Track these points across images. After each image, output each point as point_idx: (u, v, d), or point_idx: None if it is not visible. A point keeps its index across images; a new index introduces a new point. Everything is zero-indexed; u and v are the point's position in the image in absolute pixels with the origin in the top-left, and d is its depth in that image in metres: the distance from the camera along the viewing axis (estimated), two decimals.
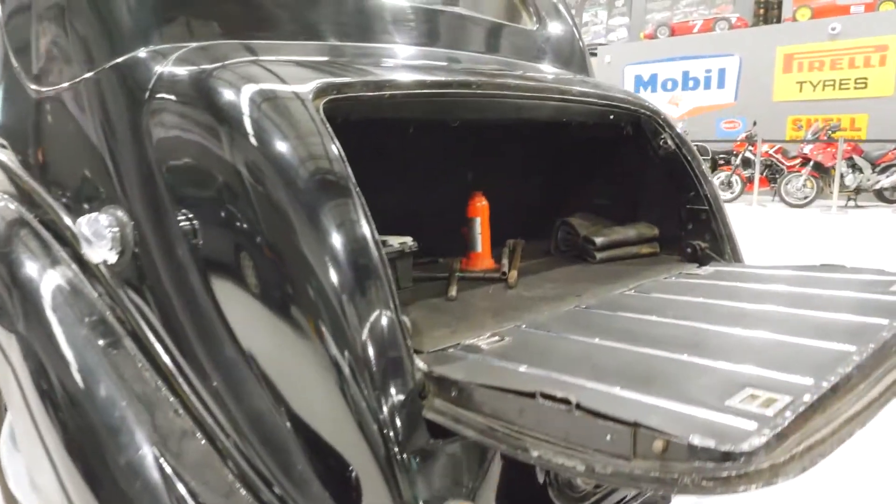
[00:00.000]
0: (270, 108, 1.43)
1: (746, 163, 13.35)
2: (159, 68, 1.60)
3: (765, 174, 13.42)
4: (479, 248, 2.40)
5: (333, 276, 1.27)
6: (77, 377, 1.56)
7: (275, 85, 1.49)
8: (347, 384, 1.25)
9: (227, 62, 1.57)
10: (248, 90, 1.45)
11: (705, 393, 1.13)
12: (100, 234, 1.55)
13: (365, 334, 1.26)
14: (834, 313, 1.58)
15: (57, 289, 1.71)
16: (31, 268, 1.78)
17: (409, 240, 2.09)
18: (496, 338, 1.54)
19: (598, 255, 2.45)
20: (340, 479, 1.31)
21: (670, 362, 1.31)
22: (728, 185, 13.22)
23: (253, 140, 1.39)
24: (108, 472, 1.43)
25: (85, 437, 1.49)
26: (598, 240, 2.45)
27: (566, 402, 1.10)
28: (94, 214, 1.60)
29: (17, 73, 1.95)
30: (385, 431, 1.24)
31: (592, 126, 2.48)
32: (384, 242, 1.95)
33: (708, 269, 2.22)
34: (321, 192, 1.33)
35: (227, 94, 1.46)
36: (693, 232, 2.41)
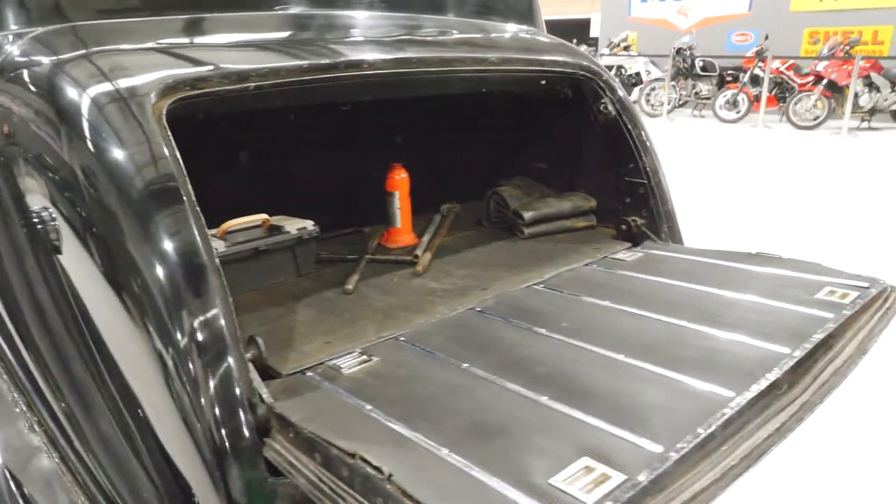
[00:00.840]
0: (108, 111, 1.28)
1: (755, 80, 12.74)
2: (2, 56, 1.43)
3: (773, 93, 12.83)
4: (399, 224, 2.27)
5: (158, 284, 1.17)
6: None
7: (118, 84, 1.32)
8: (185, 412, 1.17)
9: (66, 55, 1.39)
10: (91, 91, 1.30)
11: (536, 463, 1.04)
12: None
13: (190, 357, 1.17)
14: (736, 333, 1.48)
15: None
16: None
17: (308, 224, 1.96)
18: (364, 357, 1.45)
19: (527, 231, 2.31)
20: None
21: (523, 407, 1.22)
22: (733, 104, 12.68)
23: (89, 145, 1.26)
24: None
25: None
26: (527, 214, 2.30)
27: (380, 471, 1.02)
28: None
29: None
30: (218, 467, 1.17)
31: (530, 89, 2.28)
32: (280, 229, 1.83)
33: (636, 253, 2.09)
34: (149, 199, 1.22)
35: (70, 94, 1.31)
36: (630, 206, 2.26)
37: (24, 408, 1.46)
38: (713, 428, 1.13)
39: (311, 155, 2.34)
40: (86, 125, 1.27)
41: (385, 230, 2.30)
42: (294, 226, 1.94)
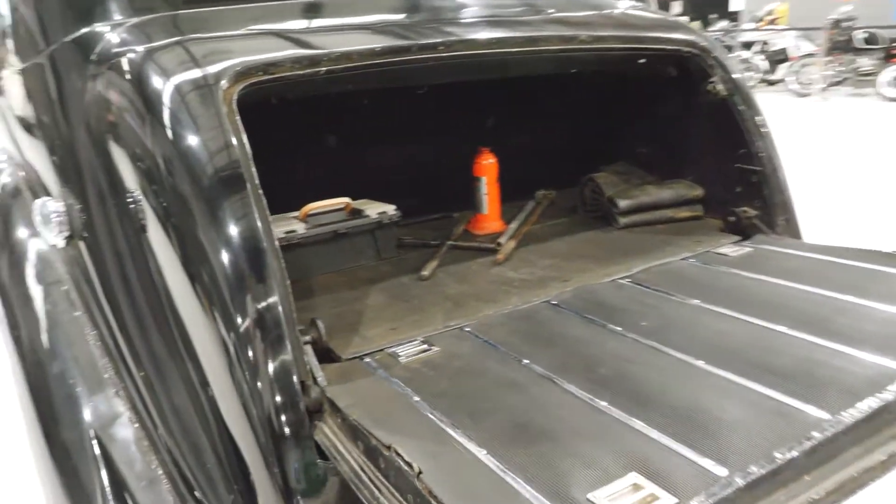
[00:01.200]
0: (183, 100, 1.34)
1: None
2: (99, 48, 1.53)
3: None
4: (486, 210, 2.22)
5: (222, 269, 1.22)
6: (44, 339, 1.64)
7: (191, 73, 1.37)
8: (243, 396, 1.21)
9: (155, 44, 1.46)
10: (169, 81, 1.36)
11: (578, 474, 0.97)
12: (47, 220, 1.57)
13: (249, 342, 1.20)
14: (845, 345, 1.29)
15: (38, 257, 1.79)
16: (22, 231, 1.88)
17: (389, 208, 1.96)
18: (425, 346, 1.42)
19: (622, 220, 2.18)
20: (239, 488, 1.31)
21: (577, 410, 1.14)
22: None
23: (165, 131, 1.33)
24: (53, 443, 1.51)
25: (41, 398, 1.57)
26: (623, 202, 2.17)
27: (411, 466, 0.99)
28: (44, 199, 1.61)
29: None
30: (272, 450, 1.20)
31: (628, 69, 2.13)
32: (361, 212, 1.84)
33: (742, 248, 1.90)
34: (213, 186, 1.26)
35: (150, 82, 1.38)
36: (741, 196, 2.06)
37: (112, 374, 1.56)
38: (795, 453, 0.99)
39: (399, 138, 2.33)
40: (161, 111, 1.33)
41: (473, 216, 2.25)
42: (375, 210, 1.94)
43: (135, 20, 1.58)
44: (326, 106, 2.03)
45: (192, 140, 1.28)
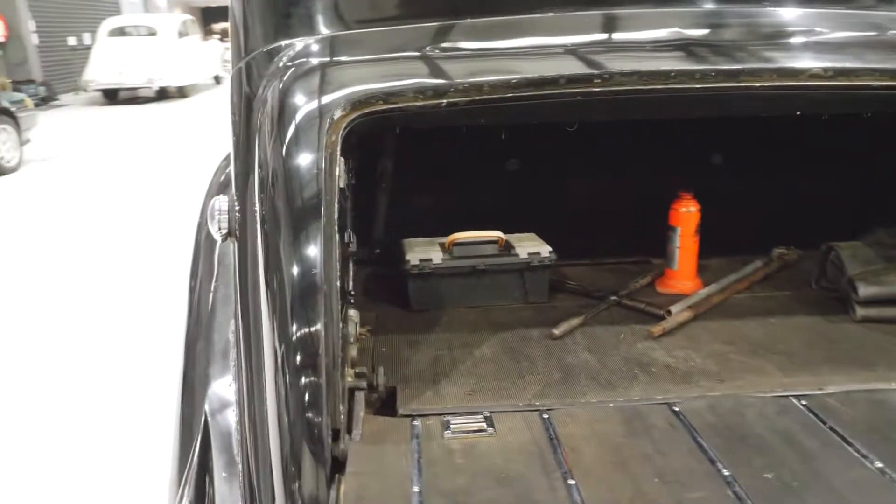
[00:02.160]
0: (296, 122, 1.36)
1: None
2: (273, 65, 1.64)
3: None
4: (676, 266, 1.84)
5: (280, 291, 1.22)
6: (199, 321, 1.80)
7: (312, 98, 1.37)
8: (279, 425, 1.21)
9: (305, 64, 1.51)
10: (293, 103, 1.39)
11: None
12: (212, 215, 1.75)
13: (286, 373, 1.18)
14: None
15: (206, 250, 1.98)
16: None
17: (544, 249, 1.75)
18: (483, 424, 1.23)
19: (860, 312, 1.62)
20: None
21: None
22: None
23: (283, 151, 1.37)
24: (182, 414, 1.68)
25: (187, 372, 1.74)
26: (865, 289, 1.61)
27: None
28: (221, 196, 1.80)
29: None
30: (287, 489, 1.18)
31: None
32: (511, 249, 1.71)
33: None
34: (293, 210, 1.27)
35: (282, 104, 1.44)
36: None
37: (233, 365, 1.68)
38: None
39: (594, 170, 2.07)
40: (280, 129, 1.36)
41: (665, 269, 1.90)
42: (527, 248, 1.75)
43: (313, 38, 1.65)
44: (512, 130, 1.89)
45: (291, 162, 1.29)
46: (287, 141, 1.32)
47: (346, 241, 1.46)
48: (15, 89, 12.16)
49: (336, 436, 1.15)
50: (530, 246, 1.76)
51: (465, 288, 1.75)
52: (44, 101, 13.83)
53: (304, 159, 1.28)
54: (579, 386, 1.38)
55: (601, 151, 2.03)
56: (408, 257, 1.73)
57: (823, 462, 1.08)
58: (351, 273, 1.56)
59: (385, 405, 1.34)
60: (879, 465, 1.06)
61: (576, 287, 1.86)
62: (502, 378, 1.43)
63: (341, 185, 1.29)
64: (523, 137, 1.95)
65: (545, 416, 1.26)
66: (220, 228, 1.62)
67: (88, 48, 14.99)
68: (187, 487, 1.39)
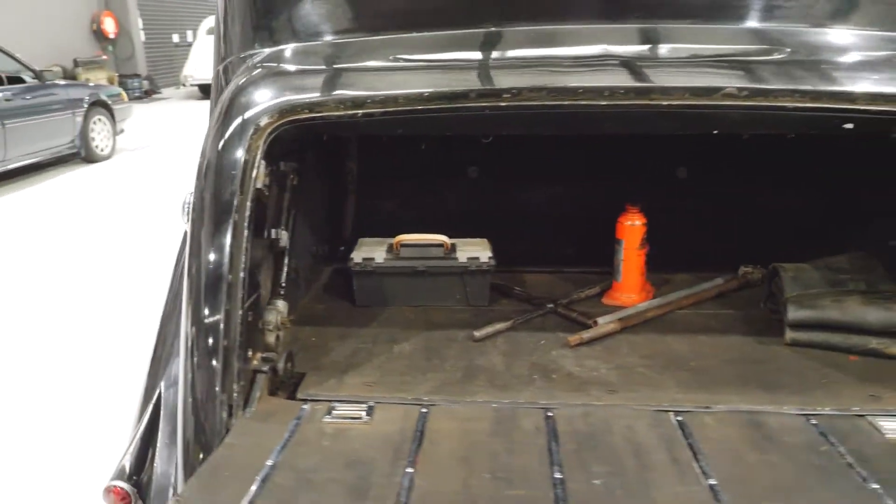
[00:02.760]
0: (228, 126, 1.48)
1: None
2: (240, 70, 1.79)
3: None
4: (620, 278, 1.86)
5: (193, 278, 1.37)
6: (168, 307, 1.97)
7: (247, 106, 1.48)
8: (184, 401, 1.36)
9: (255, 74, 1.63)
10: (236, 107, 1.52)
11: None
12: (183, 205, 1.91)
13: (191, 351, 1.33)
14: None
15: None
16: None
17: (483, 255, 1.81)
18: (363, 413, 1.32)
19: (789, 335, 1.59)
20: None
21: None
22: None
23: (218, 148, 1.49)
24: (146, 389, 1.86)
25: (157, 349, 1.90)
26: (795, 312, 1.58)
27: None
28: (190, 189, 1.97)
29: None
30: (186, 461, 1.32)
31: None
32: (452, 253, 1.79)
33: None
34: (213, 204, 1.40)
35: (228, 106, 1.57)
36: None
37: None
38: None
39: (564, 180, 2.11)
40: (216, 130, 1.48)
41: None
42: (468, 253, 1.82)
43: (274, 48, 1.77)
44: (471, 139, 1.96)
45: (219, 160, 1.42)
46: (222, 141, 1.44)
47: (272, 237, 1.58)
48: (121, 83, 13.19)
49: (231, 412, 1.28)
50: (472, 251, 1.83)
51: (409, 288, 1.84)
52: (146, 95, 14.89)
53: (229, 159, 1.40)
54: (473, 386, 1.45)
55: (572, 161, 2.07)
56: (352, 255, 1.84)
57: (660, 475, 1.11)
58: (285, 267, 1.67)
59: (289, 389, 1.45)
60: (713, 482, 1.08)
61: (520, 293, 1.91)
62: (406, 374, 1.51)
63: (258, 186, 1.40)
64: (494, 146, 2.02)
65: (424, 410, 1.34)
66: (186, 221, 1.79)
67: (190, 45, 15.99)
68: (132, 448, 1.54)
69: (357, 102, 1.43)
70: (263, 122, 1.41)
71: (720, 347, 1.61)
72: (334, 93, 1.45)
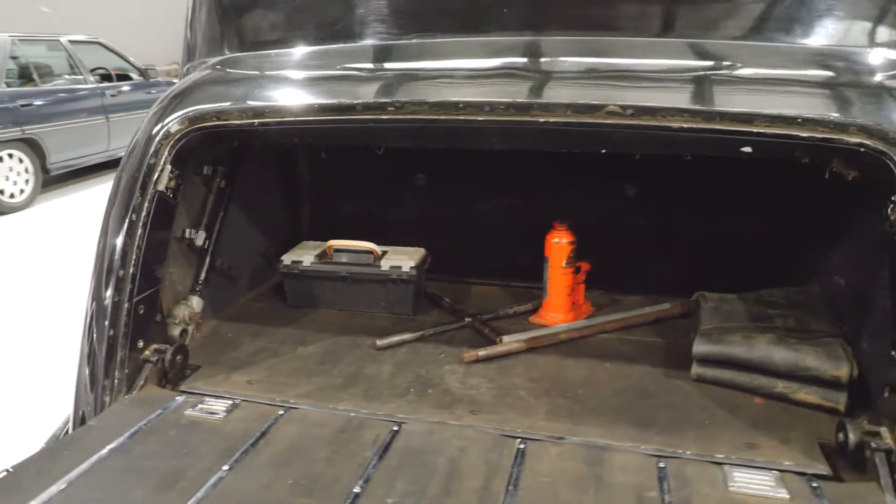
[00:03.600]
0: (152, 131, 1.56)
1: None
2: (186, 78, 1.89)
3: None
4: (547, 297, 1.79)
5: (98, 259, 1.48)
6: None
7: (167, 112, 1.57)
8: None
9: (188, 81, 1.72)
10: (162, 111, 1.60)
11: None
12: None
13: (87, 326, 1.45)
14: None
15: None
16: None
17: (406, 265, 1.82)
18: (224, 411, 1.37)
19: (694, 370, 1.49)
20: None
21: None
22: None
23: (132, 151, 1.57)
24: None
25: None
26: (698, 346, 1.48)
27: None
28: None
29: None
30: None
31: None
32: (377, 260, 1.82)
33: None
34: (116, 200, 1.50)
35: (160, 111, 1.66)
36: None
37: None
38: None
39: (520, 195, 2.07)
40: (143, 134, 1.56)
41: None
42: (392, 262, 1.83)
43: (218, 58, 1.85)
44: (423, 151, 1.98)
45: (130, 161, 1.52)
46: (137, 143, 1.54)
47: (186, 237, 1.66)
48: None
49: (113, 396, 1.38)
50: (398, 260, 1.84)
51: (336, 292, 1.88)
52: None
53: (137, 162, 1.50)
54: (345, 393, 1.46)
55: (523, 173, 2.02)
56: (283, 257, 1.89)
57: (456, 501, 1.08)
58: (205, 266, 1.75)
59: (182, 381, 1.53)
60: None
61: (448, 304, 1.90)
62: (291, 376, 1.54)
63: (160, 189, 1.48)
64: (446, 155, 2.02)
65: (281, 413, 1.37)
66: None
67: None
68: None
69: (257, 112, 1.49)
70: (174, 128, 1.50)
71: (620, 376, 1.53)
72: (239, 103, 1.51)
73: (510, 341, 1.64)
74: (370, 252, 1.86)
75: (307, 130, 1.50)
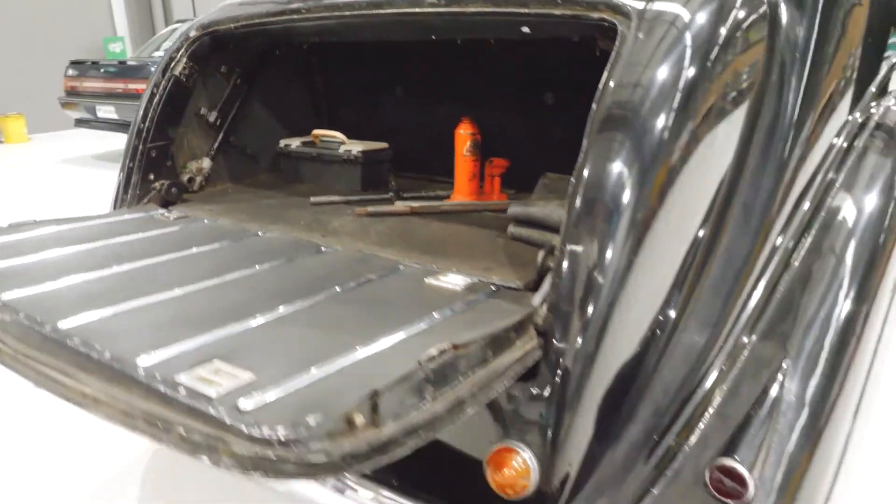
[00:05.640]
0: (181, 36, 2.28)
1: None
2: None
3: None
4: (454, 182, 2.14)
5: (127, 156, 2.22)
6: None
7: (196, 22, 2.28)
8: None
9: (218, 8, 2.40)
10: (188, 28, 2.31)
11: None
12: None
13: None
14: None
15: None
16: None
17: (355, 149, 2.30)
18: (173, 218, 2.01)
19: (510, 230, 1.77)
20: None
21: None
22: None
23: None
24: None
25: None
26: (511, 209, 1.76)
27: None
28: None
29: None
30: None
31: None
32: (337, 147, 2.37)
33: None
34: (150, 87, 2.21)
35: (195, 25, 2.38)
36: None
37: None
38: None
39: (460, 101, 2.42)
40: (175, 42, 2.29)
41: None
42: (348, 147, 2.32)
43: None
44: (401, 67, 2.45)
45: (162, 58, 2.24)
46: (171, 47, 2.25)
47: (201, 114, 2.32)
48: None
49: (124, 203, 2.11)
50: (353, 147, 2.33)
51: (312, 170, 2.43)
52: None
53: (165, 58, 2.21)
54: (274, 226, 1.93)
55: (468, 92, 2.39)
56: (280, 141, 2.49)
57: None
58: (219, 138, 2.40)
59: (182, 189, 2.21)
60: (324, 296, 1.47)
61: (392, 187, 2.33)
62: (244, 213, 2.09)
63: (176, 73, 2.16)
64: (416, 69, 2.46)
65: (204, 220, 1.96)
66: None
67: None
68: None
69: (236, 20, 2.09)
70: (192, 33, 2.18)
71: (469, 236, 1.83)
72: (233, 14, 2.13)
73: (400, 205, 2.05)
74: (340, 141, 2.37)
75: (264, 31, 2.06)
